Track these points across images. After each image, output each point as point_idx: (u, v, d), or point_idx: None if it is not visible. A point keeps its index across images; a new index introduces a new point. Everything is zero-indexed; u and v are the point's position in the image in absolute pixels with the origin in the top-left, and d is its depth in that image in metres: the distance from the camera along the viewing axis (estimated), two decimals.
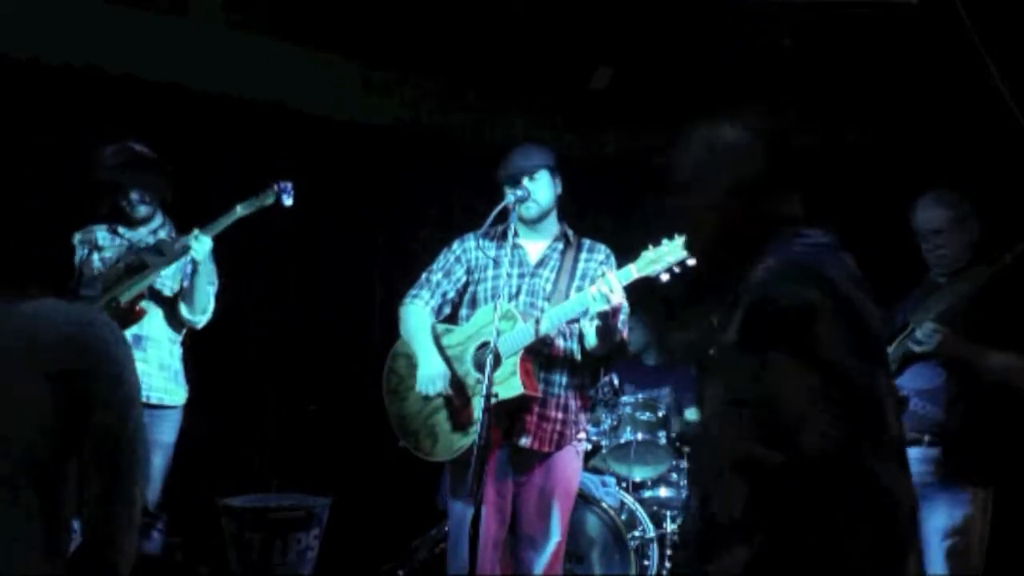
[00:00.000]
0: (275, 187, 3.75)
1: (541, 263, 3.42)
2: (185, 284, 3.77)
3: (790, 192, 1.85)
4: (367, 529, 4.75)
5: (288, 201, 3.78)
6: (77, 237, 3.82)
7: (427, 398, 3.32)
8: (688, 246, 2.01)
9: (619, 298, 3.09)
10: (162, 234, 3.80)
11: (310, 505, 4.20)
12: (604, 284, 3.07)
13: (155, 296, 3.76)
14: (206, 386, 4.62)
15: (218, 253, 3.82)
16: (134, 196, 3.74)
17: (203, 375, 4.58)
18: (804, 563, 1.59)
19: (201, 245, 3.61)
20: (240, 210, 3.74)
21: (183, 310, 3.77)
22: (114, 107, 4.44)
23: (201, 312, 3.78)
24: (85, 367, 1.85)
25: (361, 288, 5.24)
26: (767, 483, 1.61)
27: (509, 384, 3.17)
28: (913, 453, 3.21)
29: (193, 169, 4.69)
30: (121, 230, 3.81)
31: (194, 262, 3.66)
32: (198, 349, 4.53)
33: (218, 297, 3.90)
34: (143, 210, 3.78)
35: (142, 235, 3.79)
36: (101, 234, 3.80)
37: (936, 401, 3.21)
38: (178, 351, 3.86)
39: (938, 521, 3.16)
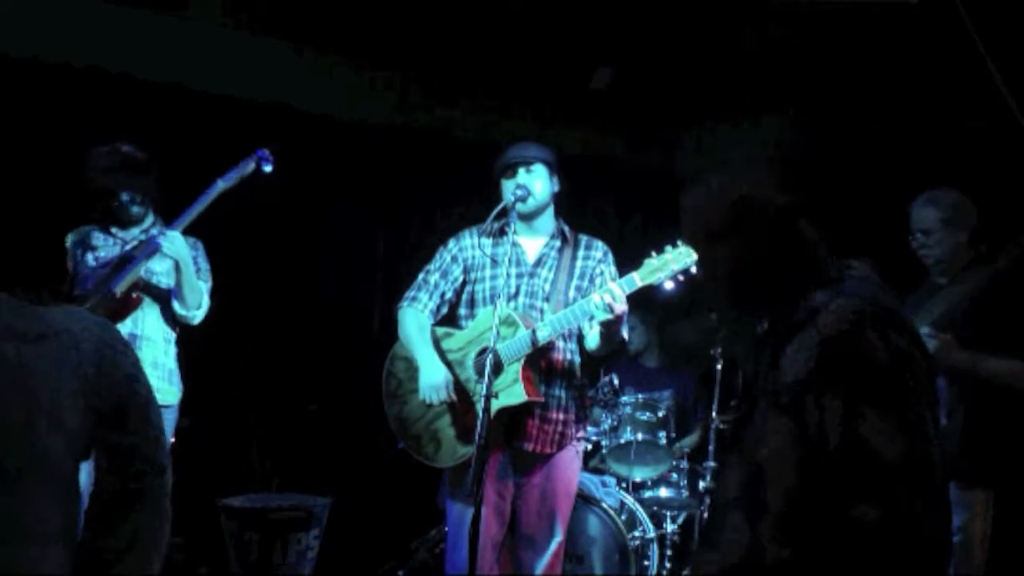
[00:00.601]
0: (254, 155, 3.73)
1: (539, 262, 3.41)
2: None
3: (805, 217, 1.82)
4: (367, 529, 4.75)
5: (268, 168, 3.75)
6: (71, 239, 3.82)
7: (430, 406, 3.32)
8: (713, 297, 1.94)
9: (622, 307, 3.07)
10: (154, 232, 3.80)
11: (310, 505, 4.20)
12: (607, 294, 3.05)
13: (149, 292, 3.76)
14: (206, 386, 4.63)
15: (217, 253, 3.81)
16: (125, 198, 3.75)
17: (203, 375, 4.58)
18: None
19: (169, 241, 3.61)
20: (222, 184, 3.73)
21: (176, 306, 3.77)
22: (114, 107, 4.44)
23: (195, 307, 3.77)
24: (111, 378, 1.91)
25: (362, 288, 5.24)
26: (863, 536, 1.59)
27: (512, 391, 3.17)
28: None
29: (193, 169, 4.70)
30: (114, 230, 3.81)
31: (174, 259, 3.66)
32: (199, 349, 4.53)
33: (218, 296, 3.90)
34: (135, 211, 3.78)
35: (135, 235, 3.79)
36: (95, 234, 3.81)
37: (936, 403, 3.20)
38: (173, 350, 3.85)
39: None
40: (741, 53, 4.81)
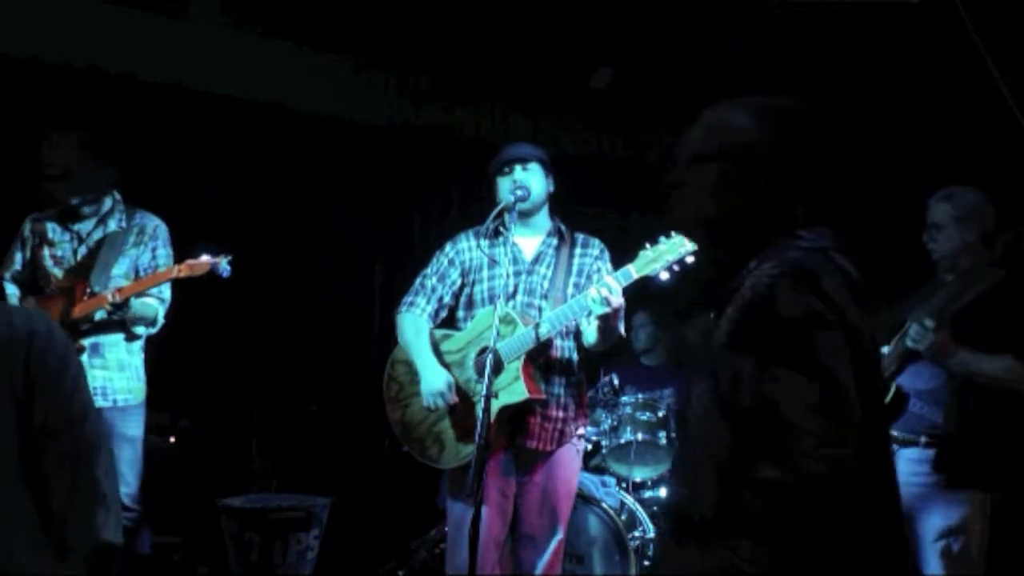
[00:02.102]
0: (218, 263, 3.57)
1: (536, 260, 3.42)
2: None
3: (796, 192, 1.82)
4: (367, 529, 4.75)
5: (224, 275, 3.58)
6: (28, 226, 3.79)
7: (433, 409, 3.33)
8: (686, 224, 1.96)
9: (619, 300, 3.08)
10: (112, 224, 3.74)
11: (310, 505, 4.20)
12: (604, 288, 3.06)
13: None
14: (206, 386, 4.63)
15: (217, 253, 3.80)
16: (73, 203, 3.71)
17: (203, 375, 4.59)
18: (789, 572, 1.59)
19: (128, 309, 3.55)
20: (175, 272, 3.60)
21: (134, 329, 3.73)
22: (114, 107, 4.44)
23: (145, 328, 3.74)
24: (37, 374, 1.88)
25: (362, 288, 5.24)
26: (763, 496, 1.59)
27: (513, 389, 3.17)
28: (910, 454, 3.21)
29: (193, 169, 4.70)
30: (69, 223, 3.77)
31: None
32: (199, 349, 4.54)
33: (218, 296, 3.89)
34: (87, 210, 3.74)
35: (90, 227, 3.75)
36: (51, 226, 3.77)
37: (934, 402, 3.20)
38: (136, 347, 3.79)
39: (935, 522, 3.15)
40: (741, 53, 4.81)
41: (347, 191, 5.15)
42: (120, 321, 3.66)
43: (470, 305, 3.43)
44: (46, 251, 3.73)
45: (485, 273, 3.42)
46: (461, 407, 3.29)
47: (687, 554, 1.68)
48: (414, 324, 3.44)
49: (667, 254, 3.05)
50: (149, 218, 3.79)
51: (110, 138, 3.72)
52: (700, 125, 1.89)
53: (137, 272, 3.71)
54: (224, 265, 3.56)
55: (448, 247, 3.52)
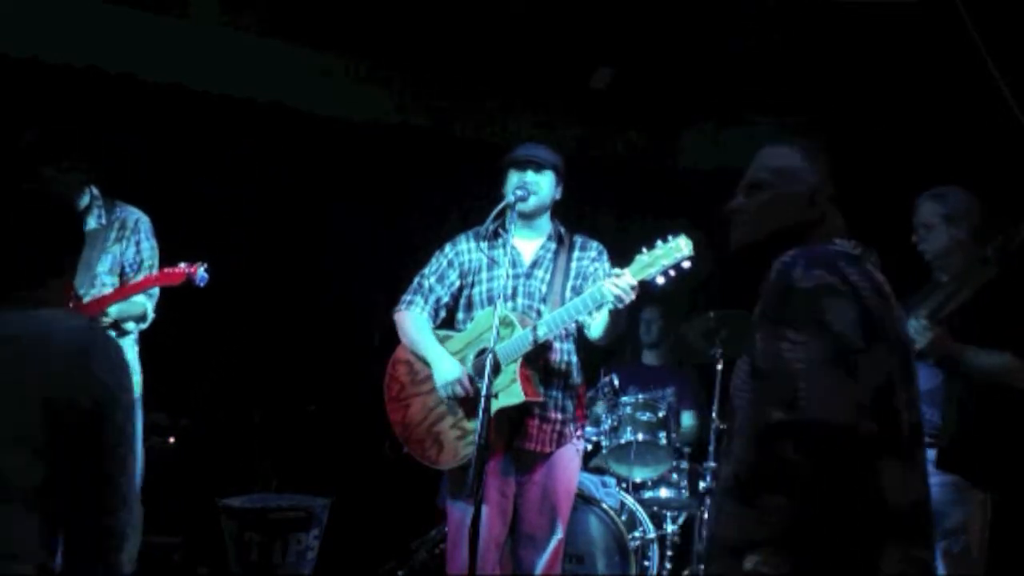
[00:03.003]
0: (192, 272, 3.51)
1: (535, 264, 3.42)
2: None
3: (836, 208, 2.09)
4: (367, 530, 4.75)
5: (201, 284, 3.52)
6: None
7: (437, 404, 3.32)
8: (742, 244, 2.13)
9: (630, 297, 3.07)
10: (91, 222, 3.68)
11: (310, 505, 4.20)
12: (618, 284, 3.03)
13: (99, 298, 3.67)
14: (206, 386, 4.63)
15: (217, 253, 3.78)
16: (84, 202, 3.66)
17: (203, 375, 4.58)
18: (789, 526, 1.72)
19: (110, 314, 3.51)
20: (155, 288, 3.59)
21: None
22: (114, 107, 4.44)
23: (135, 324, 3.70)
24: (91, 389, 1.87)
25: (362, 288, 5.24)
26: (766, 442, 1.76)
27: (511, 391, 3.17)
28: None
29: (193, 169, 4.70)
30: None
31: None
32: (198, 349, 4.54)
33: (218, 296, 3.87)
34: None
35: None
36: None
37: (933, 402, 3.19)
38: (128, 341, 3.72)
39: (936, 521, 3.15)
40: (741, 53, 4.81)
41: (347, 191, 5.15)
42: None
43: (469, 307, 3.44)
44: None
45: (484, 275, 3.42)
46: (461, 408, 3.29)
47: (730, 511, 1.85)
48: (416, 320, 3.44)
49: (663, 259, 3.03)
50: (130, 211, 3.70)
51: (72, 137, 3.60)
52: (754, 162, 2.18)
53: (122, 268, 3.64)
54: (201, 273, 3.49)
55: (447, 248, 3.52)
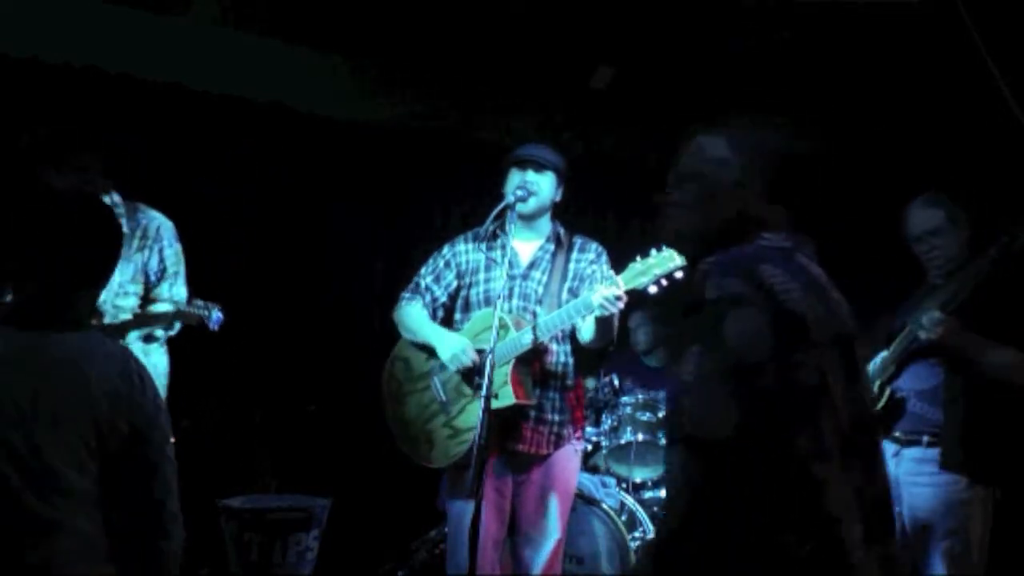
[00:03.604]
0: (211, 316, 3.52)
1: (532, 265, 3.42)
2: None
3: (773, 200, 1.99)
4: (367, 530, 4.75)
5: (214, 327, 3.52)
6: None
7: (431, 403, 3.33)
8: (675, 236, 2.12)
9: (618, 306, 3.07)
10: None
11: (309, 506, 4.19)
12: (607, 292, 3.04)
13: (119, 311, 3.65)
14: (206, 386, 4.62)
15: (217, 253, 3.78)
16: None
17: (203, 375, 4.58)
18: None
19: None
20: (176, 325, 3.58)
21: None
22: (114, 107, 4.44)
23: (163, 331, 3.66)
24: (130, 414, 1.92)
25: (362, 288, 5.24)
26: (666, 457, 1.82)
27: (502, 393, 3.17)
28: (912, 453, 3.21)
29: (193, 169, 4.70)
30: None
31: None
32: (199, 350, 4.53)
33: (218, 296, 3.86)
34: None
35: None
36: None
37: (934, 401, 3.20)
38: (154, 347, 3.71)
39: (938, 522, 3.15)
40: (742, 53, 4.80)
41: (347, 191, 5.15)
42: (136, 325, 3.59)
43: (466, 308, 3.44)
44: None
45: (481, 276, 3.42)
46: (454, 407, 3.30)
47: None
48: (415, 310, 3.47)
49: (655, 268, 3.03)
50: (151, 216, 3.64)
51: (86, 137, 3.57)
52: (684, 150, 2.13)
53: (146, 276, 3.60)
54: (215, 315, 3.48)
55: (445, 249, 3.53)
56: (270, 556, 4.04)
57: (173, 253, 3.65)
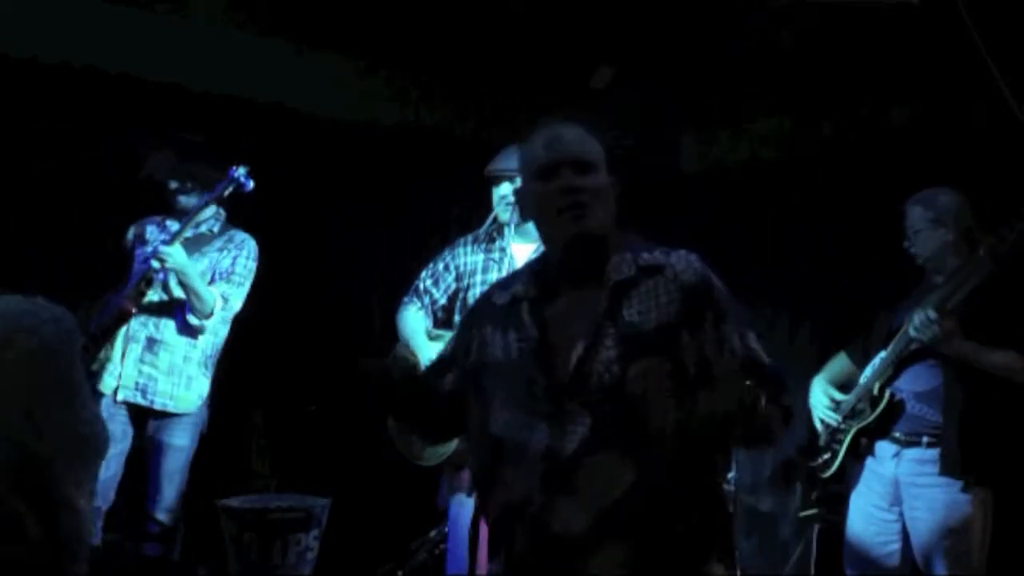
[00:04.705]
0: (233, 176, 3.69)
1: None
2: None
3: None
4: (366, 530, 4.74)
5: (249, 185, 3.71)
6: (132, 231, 3.82)
7: None
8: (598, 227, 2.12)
9: None
10: (203, 228, 3.78)
11: (309, 506, 4.19)
12: None
13: (169, 295, 3.73)
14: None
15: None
16: (173, 185, 3.73)
17: None
18: None
19: (165, 256, 3.57)
20: (209, 197, 3.71)
21: (187, 315, 3.75)
22: (113, 107, 4.43)
23: (204, 316, 3.74)
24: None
25: (362, 288, 5.23)
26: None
27: None
28: (912, 454, 3.21)
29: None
30: (168, 223, 3.80)
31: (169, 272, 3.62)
32: None
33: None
34: (182, 201, 3.75)
35: (179, 227, 3.74)
36: (150, 228, 3.80)
37: (933, 402, 3.20)
38: (197, 355, 3.80)
39: (939, 522, 3.15)
40: (742, 53, 4.80)
41: (347, 191, 5.15)
42: (180, 322, 3.64)
43: (465, 309, 3.45)
44: (138, 251, 3.74)
45: (479, 278, 3.45)
46: None
47: None
48: (412, 317, 3.52)
49: None
50: (241, 233, 3.87)
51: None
52: (566, 140, 2.26)
53: (214, 276, 3.75)
54: (242, 175, 3.62)
55: (446, 252, 3.58)
56: (270, 556, 4.04)
57: (245, 264, 3.86)
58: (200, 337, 3.83)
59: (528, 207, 2.10)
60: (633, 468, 1.84)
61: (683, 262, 2.04)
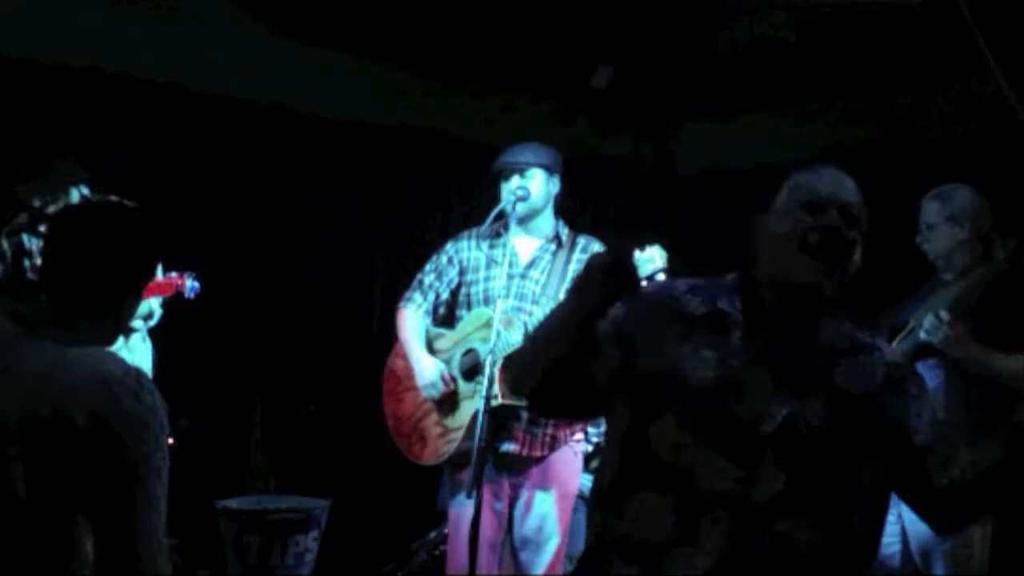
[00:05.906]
0: (182, 283, 3.56)
1: (531, 264, 3.41)
2: None
3: None
4: (366, 531, 4.74)
5: (191, 295, 3.56)
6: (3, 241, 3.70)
7: (425, 401, 3.35)
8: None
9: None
10: None
11: (309, 507, 4.19)
12: None
13: None
14: (205, 387, 4.62)
15: (217, 253, 3.76)
16: (37, 204, 3.63)
17: (202, 375, 4.57)
18: None
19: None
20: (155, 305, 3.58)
21: None
22: (112, 107, 4.43)
23: (143, 323, 3.65)
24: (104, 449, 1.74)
25: (361, 288, 5.23)
26: None
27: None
28: None
29: (192, 169, 4.69)
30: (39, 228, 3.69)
31: None
32: (198, 350, 4.53)
33: (218, 297, 3.85)
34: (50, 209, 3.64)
35: None
36: (24, 236, 3.69)
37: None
38: (135, 340, 3.69)
39: None
40: (742, 53, 4.80)
41: (347, 191, 5.14)
42: None
43: (468, 305, 3.46)
44: (26, 263, 3.64)
45: (482, 274, 3.43)
46: (444, 405, 3.31)
47: None
48: (410, 320, 3.48)
49: (648, 264, 3.02)
50: None
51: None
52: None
53: None
54: (190, 284, 3.48)
55: (449, 246, 3.54)
56: (269, 557, 4.04)
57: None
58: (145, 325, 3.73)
59: (772, 227, 1.92)
60: (824, 536, 1.76)
61: (892, 352, 2.02)
